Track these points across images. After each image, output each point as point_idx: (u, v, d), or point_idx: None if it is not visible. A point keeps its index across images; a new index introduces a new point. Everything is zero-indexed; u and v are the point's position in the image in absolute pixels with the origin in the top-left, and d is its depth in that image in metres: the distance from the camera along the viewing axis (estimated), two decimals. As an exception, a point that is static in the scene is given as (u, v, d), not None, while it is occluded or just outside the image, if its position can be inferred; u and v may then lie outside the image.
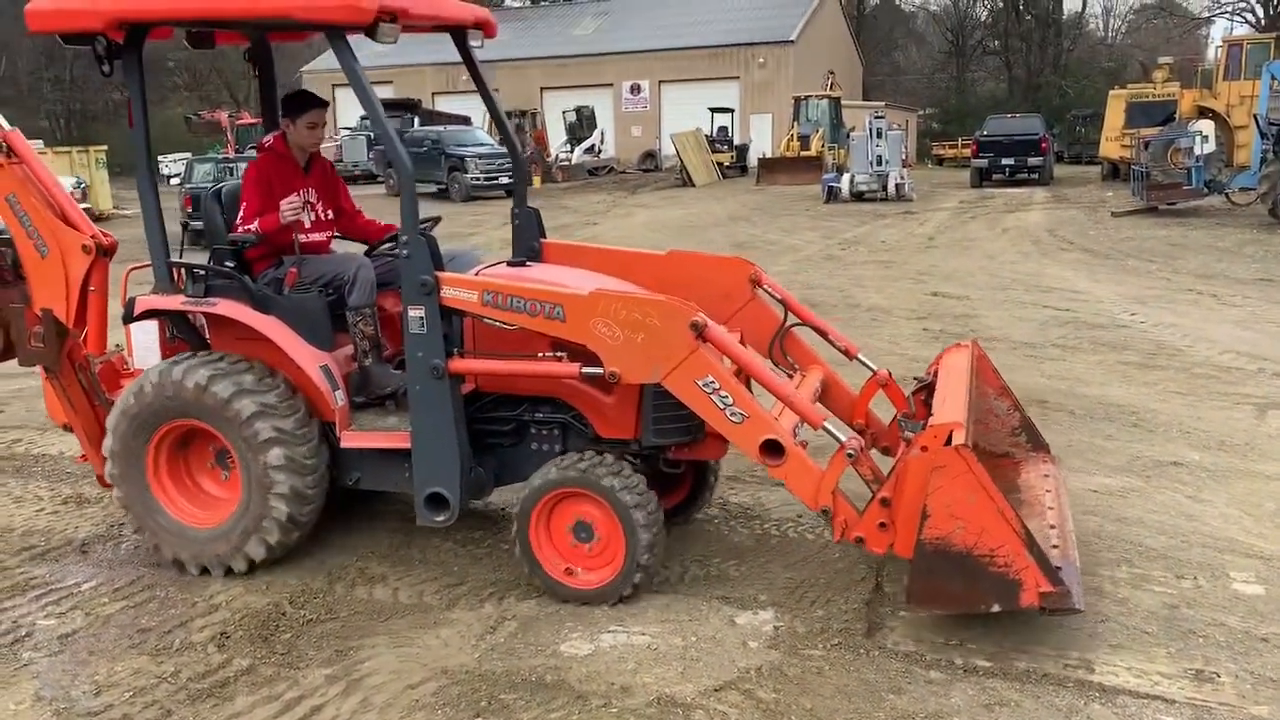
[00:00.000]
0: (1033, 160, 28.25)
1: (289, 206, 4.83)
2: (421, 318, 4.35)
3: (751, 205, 24.39)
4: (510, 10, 54.90)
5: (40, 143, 31.77)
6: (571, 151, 36.15)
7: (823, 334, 5.19)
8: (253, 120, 37.55)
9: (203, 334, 4.94)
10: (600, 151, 37.42)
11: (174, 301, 4.78)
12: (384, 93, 41.31)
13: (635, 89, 41.37)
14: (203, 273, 4.77)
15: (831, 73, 37.71)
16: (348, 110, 42.13)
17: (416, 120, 34.73)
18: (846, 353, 5.19)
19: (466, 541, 5.04)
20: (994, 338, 9.58)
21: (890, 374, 5.06)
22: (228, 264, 4.85)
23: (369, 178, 33.53)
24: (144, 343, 5.13)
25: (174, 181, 31.02)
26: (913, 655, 3.91)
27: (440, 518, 4.51)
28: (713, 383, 4.08)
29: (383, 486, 4.83)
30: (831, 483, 4.04)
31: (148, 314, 4.88)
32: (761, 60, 39.51)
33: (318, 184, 5.17)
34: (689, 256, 5.27)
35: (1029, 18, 51.83)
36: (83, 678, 3.91)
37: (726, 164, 34.09)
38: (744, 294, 5.10)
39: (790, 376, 5.00)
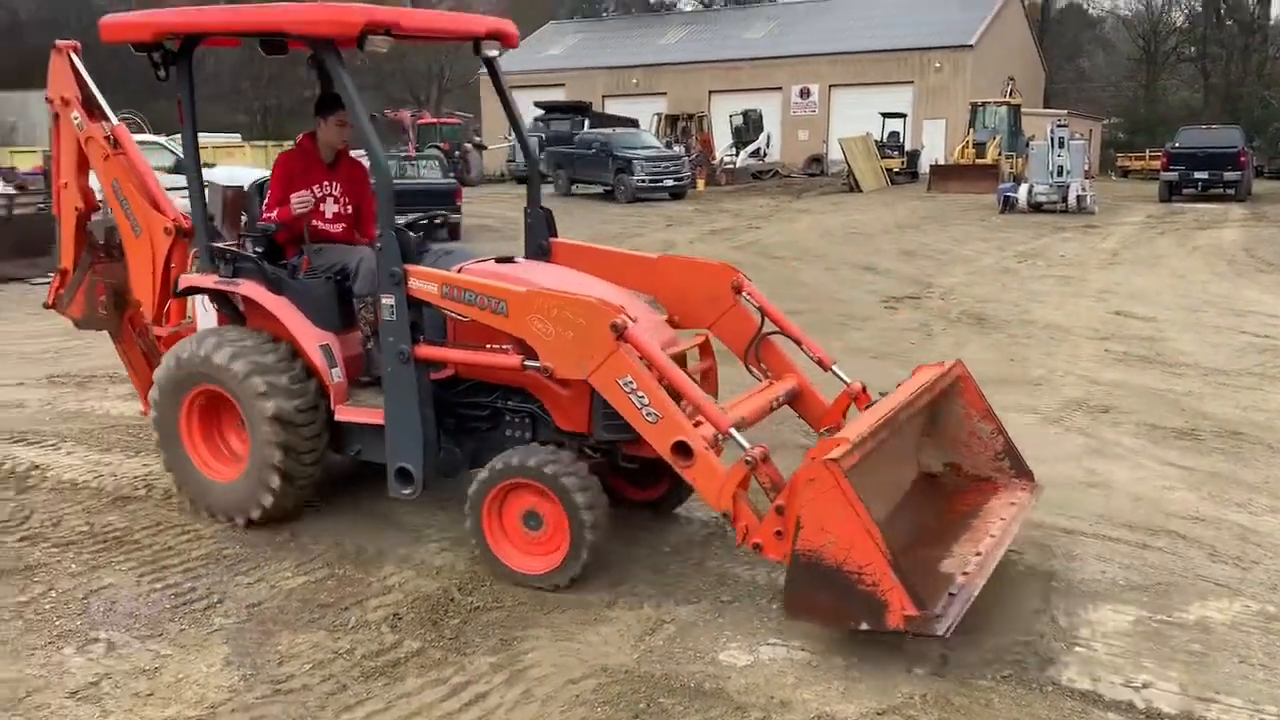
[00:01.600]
0: (1229, 174, 26.51)
1: (298, 200, 5.35)
2: (392, 305, 4.73)
3: (922, 213, 23.77)
4: (683, 14, 55.27)
5: (238, 136, 33.95)
6: (736, 155, 36.08)
7: (798, 343, 5.28)
8: (433, 120, 39.04)
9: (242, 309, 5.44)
10: (765, 155, 37.20)
11: (209, 280, 5.38)
12: (556, 95, 42.24)
13: (804, 93, 40.92)
14: (231, 256, 5.34)
15: (1011, 79, 36.31)
16: (523, 112, 43.27)
17: (586, 123, 35.31)
18: (820, 363, 5.25)
19: (629, 541, 5.08)
20: (1183, 363, 9.03)
21: (864, 387, 5.11)
22: (257, 249, 5.41)
23: (539, 178, 34.31)
24: (206, 314, 5.76)
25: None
26: (1089, 694, 3.72)
27: (406, 490, 4.85)
28: (631, 382, 4.27)
29: (377, 459, 5.06)
30: (731, 487, 4.12)
31: (190, 289, 5.53)
32: (938, 65, 38.46)
33: (343, 180, 5.61)
34: (677, 261, 5.56)
35: (1230, 23, 48.61)
36: (267, 647, 4.14)
37: (896, 170, 33.36)
38: (727, 300, 5.29)
39: (761, 382, 5.19)
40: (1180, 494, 5.78)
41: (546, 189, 31.25)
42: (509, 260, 5.23)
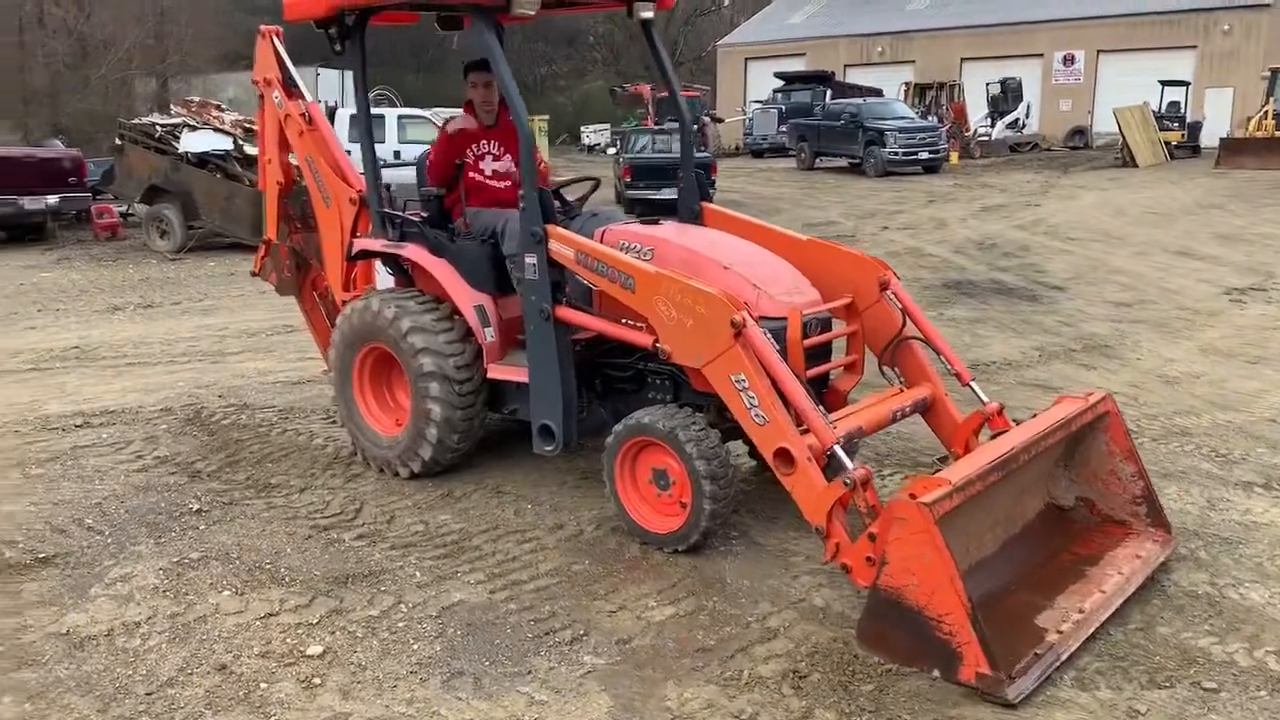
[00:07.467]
0: None
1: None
2: (534, 264, 4.81)
3: (1220, 191, 21.21)
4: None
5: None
6: (992, 126, 33.76)
7: (939, 352, 5.00)
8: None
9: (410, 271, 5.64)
10: (1024, 126, 34.67)
11: (377, 244, 5.63)
12: (797, 65, 41.02)
13: (1068, 59, 37.78)
14: (398, 221, 5.55)
15: (1316, 39, 32.22)
16: (759, 84, 42.25)
17: (828, 93, 33.95)
18: (959, 377, 4.96)
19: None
20: None
21: (1001, 407, 4.80)
22: (423, 214, 5.56)
23: (778, 151, 33.26)
24: (385, 277, 6.02)
25: (610, 150, 32.38)
26: None
27: (548, 448, 4.98)
28: (743, 380, 4.19)
29: (528, 418, 5.10)
30: (826, 504, 3.98)
31: (362, 254, 5.82)
32: (1226, 27, 34.54)
33: (501, 137, 5.70)
34: (824, 247, 5.25)
35: None
36: (654, 701, 3.52)
37: (1175, 143, 30.22)
38: (871, 295, 5.02)
39: (892, 388, 4.96)
40: None
41: (788, 163, 30.25)
42: (654, 222, 5.18)
